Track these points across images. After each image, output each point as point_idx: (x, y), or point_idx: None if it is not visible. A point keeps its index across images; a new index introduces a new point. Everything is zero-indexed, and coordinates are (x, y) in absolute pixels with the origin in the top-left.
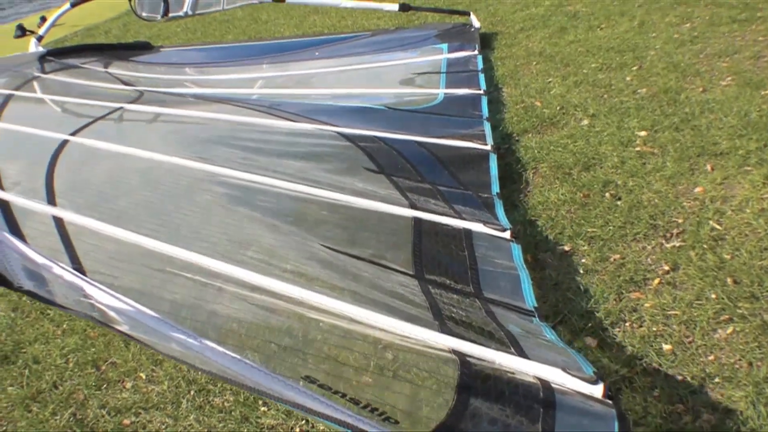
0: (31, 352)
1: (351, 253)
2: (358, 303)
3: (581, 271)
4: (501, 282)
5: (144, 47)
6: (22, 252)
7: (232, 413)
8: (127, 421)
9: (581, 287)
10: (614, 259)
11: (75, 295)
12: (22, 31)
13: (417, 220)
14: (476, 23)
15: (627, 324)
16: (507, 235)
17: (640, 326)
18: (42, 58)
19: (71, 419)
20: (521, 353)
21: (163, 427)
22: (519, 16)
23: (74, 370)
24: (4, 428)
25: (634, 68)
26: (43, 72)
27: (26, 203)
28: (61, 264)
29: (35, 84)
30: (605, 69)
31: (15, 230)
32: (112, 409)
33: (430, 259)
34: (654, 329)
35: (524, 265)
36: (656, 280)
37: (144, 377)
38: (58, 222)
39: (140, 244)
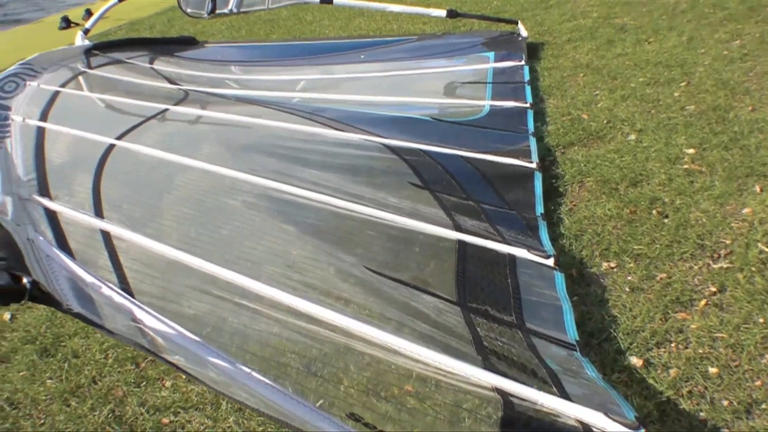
0: (70, 346)
1: (394, 277)
2: (403, 334)
3: (627, 289)
4: (543, 312)
5: (189, 42)
6: (71, 269)
7: (272, 417)
8: (165, 420)
9: (627, 305)
10: (661, 278)
11: (124, 319)
12: (66, 23)
13: (461, 244)
14: (524, 32)
15: (673, 345)
16: (551, 262)
17: (686, 348)
18: (88, 52)
19: (110, 415)
20: (563, 394)
21: (202, 428)
22: (566, 27)
23: (113, 366)
24: (43, 422)
25: (683, 84)
26: (89, 67)
27: (74, 214)
28: (109, 284)
29: (82, 80)
30: (653, 84)
31: (62, 244)
32: (151, 407)
33: (473, 286)
34: (700, 351)
35: (567, 296)
36: (703, 302)
37: (183, 376)
38: (106, 236)
39: (185, 262)
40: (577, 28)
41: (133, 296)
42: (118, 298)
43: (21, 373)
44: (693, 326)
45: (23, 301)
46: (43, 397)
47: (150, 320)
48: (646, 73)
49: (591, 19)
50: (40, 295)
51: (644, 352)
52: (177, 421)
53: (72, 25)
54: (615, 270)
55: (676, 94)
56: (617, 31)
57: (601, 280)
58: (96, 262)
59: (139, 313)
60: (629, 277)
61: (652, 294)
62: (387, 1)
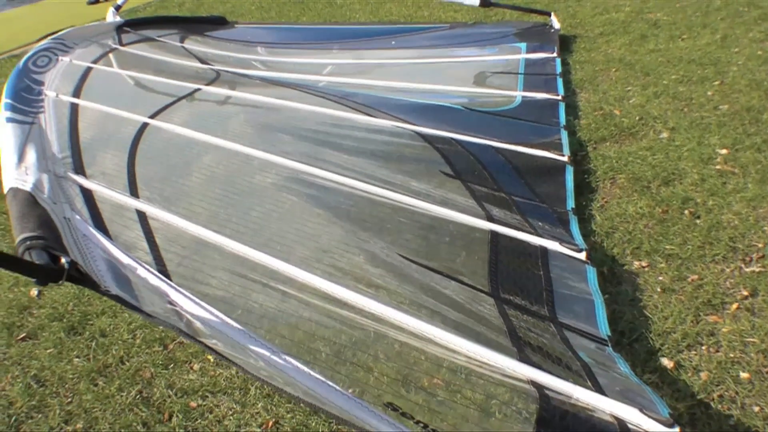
0: (98, 325)
1: (429, 266)
2: (437, 323)
3: (659, 289)
4: (575, 306)
5: (219, 22)
6: (107, 250)
7: (301, 404)
8: (193, 404)
9: (658, 306)
10: (692, 280)
11: (160, 302)
12: None
13: (494, 234)
14: (556, 24)
15: (704, 348)
16: (582, 256)
17: (717, 351)
18: (119, 29)
19: (137, 396)
20: (598, 388)
21: (230, 412)
22: (599, 20)
23: (141, 346)
24: (70, 400)
25: (716, 83)
26: (120, 44)
27: (109, 193)
28: (146, 265)
29: (113, 57)
30: (686, 81)
31: (99, 223)
32: (179, 390)
33: (505, 277)
34: (731, 355)
35: (599, 290)
36: (734, 305)
37: (212, 360)
38: (142, 216)
39: (221, 245)
40: (609, 21)
41: (169, 278)
42: (154, 279)
43: (48, 351)
44: (724, 330)
45: (61, 282)
46: (71, 376)
47: (187, 303)
48: (679, 71)
49: (624, 13)
50: (77, 275)
51: (675, 353)
52: (205, 405)
53: (101, 0)
54: (646, 269)
55: (709, 93)
56: (650, 26)
57: (633, 279)
58: (132, 242)
59: (175, 296)
60: (660, 277)
61: (683, 295)
62: None
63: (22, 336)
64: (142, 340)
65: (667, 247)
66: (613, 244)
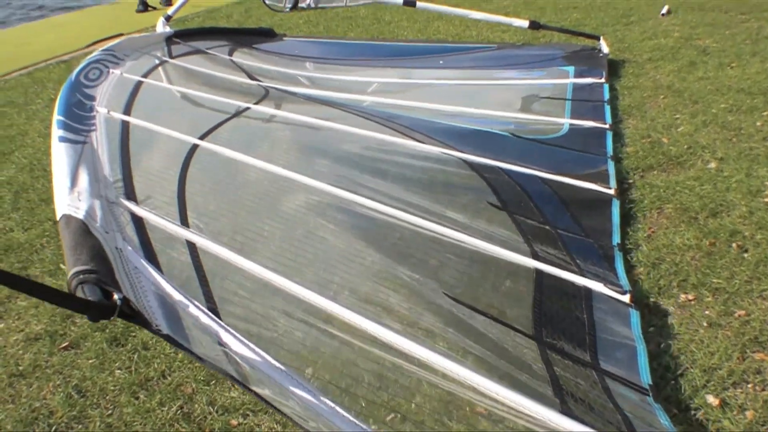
0: (140, 337)
1: (473, 306)
2: (482, 371)
3: (705, 324)
4: (617, 352)
5: (268, 34)
6: (159, 285)
7: None
8: (234, 422)
9: (704, 341)
10: (739, 315)
11: (210, 341)
12: (144, 7)
13: (539, 273)
14: (605, 48)
15: (750, 386)
16: (626, 299)
17: (763, 390)
18: (169, 40)
19: (178, 412)
20: None
21: None
22: (647, 45)
23: (183, 361)
24: (110, 412)
25: (765, 113)
26: (170, 56)
27: (160, 222)
28: (197, 303)
29: (163, 71)
30: (735, 111)
31: (149, 254)
32: (221, 407)
33: (549, 319)
34: None
35: (641, 336)
36: None
37: None
38: (192, 248)
39: (271, 281)
40: (658, 47)
41: (218, 316)
42: (205, 318)
43: (90, 361)
44: None
45: (112, 318)
46: (112, 387)
47: (236, 345)
48: (728, 99)
49: (672, 38)
50: (129, 312)
51: (721, 390)
52: (246, 424)
53: (149, 8)
54: (693, 303)
55: (758, 124)
56: (699, 53)
57: (679, 312)
58: (181, 275)
59: (226, 337)
60: (707, 312)
61: (730, 331)
62: (469, 7)
63: (64, 345)
64: (184, 355)
65: (714, 280)
66: (660, 276)
